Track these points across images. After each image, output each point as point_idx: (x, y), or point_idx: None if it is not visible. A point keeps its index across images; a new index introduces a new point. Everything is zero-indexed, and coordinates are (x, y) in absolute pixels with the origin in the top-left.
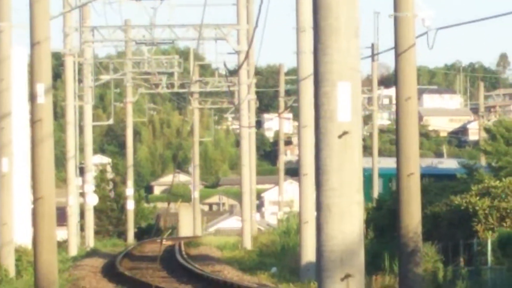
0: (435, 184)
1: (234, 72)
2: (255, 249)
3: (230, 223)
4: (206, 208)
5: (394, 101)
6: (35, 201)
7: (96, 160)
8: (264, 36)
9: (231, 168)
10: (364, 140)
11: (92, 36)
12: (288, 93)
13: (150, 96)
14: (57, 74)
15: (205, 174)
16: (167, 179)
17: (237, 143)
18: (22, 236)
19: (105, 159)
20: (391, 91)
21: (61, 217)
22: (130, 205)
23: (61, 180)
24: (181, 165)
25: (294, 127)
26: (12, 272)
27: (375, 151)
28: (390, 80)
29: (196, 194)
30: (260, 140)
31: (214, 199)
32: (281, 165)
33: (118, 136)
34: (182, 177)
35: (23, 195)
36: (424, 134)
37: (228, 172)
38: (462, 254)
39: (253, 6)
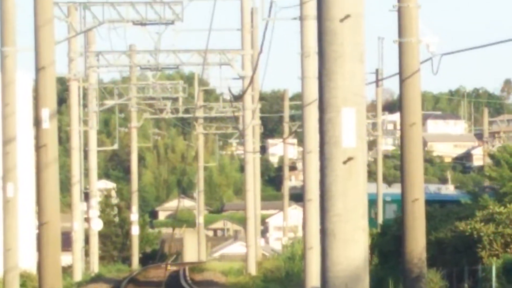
0: (440, 210)
1: (238, 97)
2: (259, 274)
3: (235, 248)
4: (210, 233)
5: (398, 127)
6: (40, 226)
7: (100, 185)
8: (268, 61)
9: (236, 193)
10: (368, 165)
11: (97, 61)
12: (292, 118)
13: (154, 121)
14: (62, 99)
15: (210, 200)
16: (172, 204)
17: (242, 169)
18: (27, 261)
19: (110, 184)
20: (396, 116)
21: (66, 242)
22: (135, 230)
23: (66, 205)
24: (185, 190)
25: (298, 153)
26: None
27: (380, 176)
28: (395, 106)
29: (200, 220)
30: (265, 165)
31: (218, 224)
32: (285, 191)
33: (123, 161)
34: (186, 202)
35: (28, 220)
36: (429, 160)
37: (233, 198)
38: (466, 280)
39: (257, 32)
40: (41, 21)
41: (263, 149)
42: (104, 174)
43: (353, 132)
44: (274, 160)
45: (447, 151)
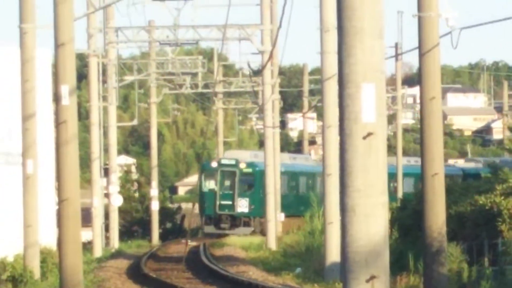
0: (460, 184)
1: (258, 72)
2: (279, 249)
3: None
4: None
5: (418, 100)
6: (60, 202)
7: (120, 161)
8: (287, 36)
9: None
10: (388, 139)
11: (116, 37)
12: (312, 92)
13: (174, 97)
14: (81, 75)
15: None
16: (192, 179)
17: (261, 143)
18: (47, 237)
19: (130, 160)
20: (415, 90)
21: (86, 218)
22: (155, 205)
23: (86, 181)
24: None
25: (318, 127)
26: (37, 273)
27: (399, 150)
28: (414, 79)
29: None
30: (284, 140)
31: None
32: None
33: (142, 137)
34: None
35: (48, 196)
36: (448, 134)
37: None
38: (486, 254)
39: (276, 6)
40: None
41: (283, 124)
42: (124, 149)
43: (373, 108)
44: (293, 134)
45: (467, 124)
